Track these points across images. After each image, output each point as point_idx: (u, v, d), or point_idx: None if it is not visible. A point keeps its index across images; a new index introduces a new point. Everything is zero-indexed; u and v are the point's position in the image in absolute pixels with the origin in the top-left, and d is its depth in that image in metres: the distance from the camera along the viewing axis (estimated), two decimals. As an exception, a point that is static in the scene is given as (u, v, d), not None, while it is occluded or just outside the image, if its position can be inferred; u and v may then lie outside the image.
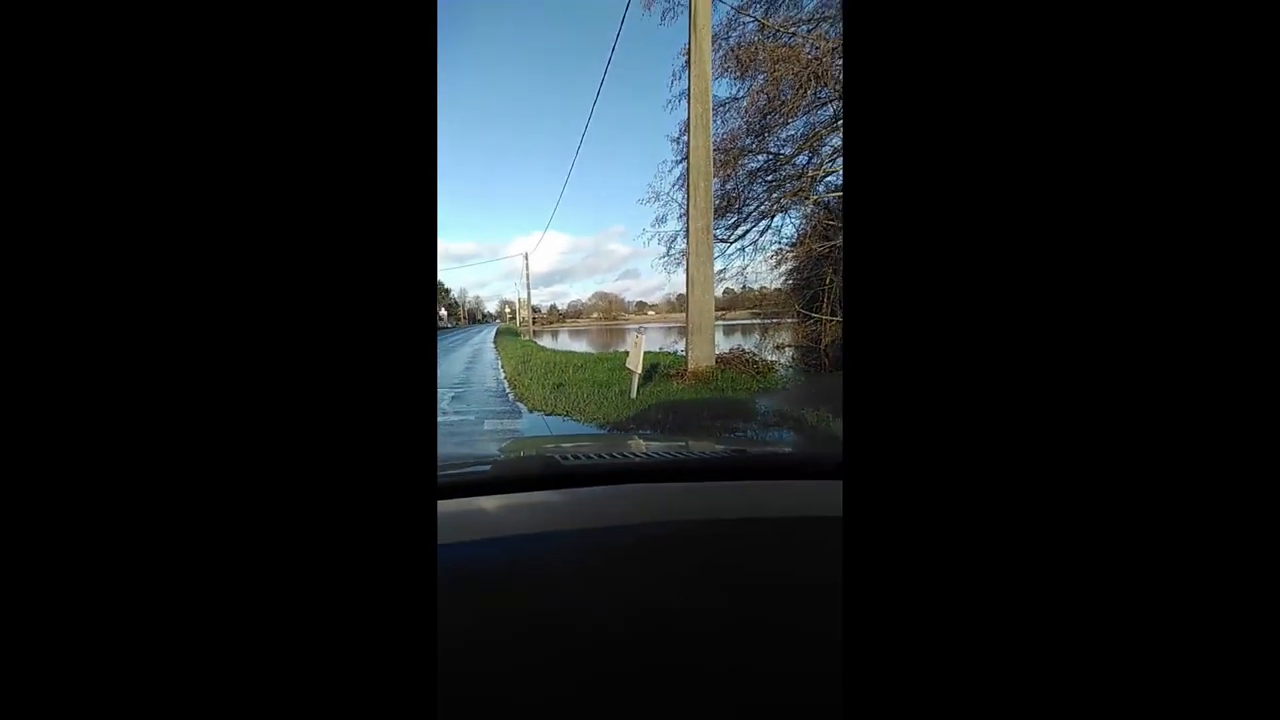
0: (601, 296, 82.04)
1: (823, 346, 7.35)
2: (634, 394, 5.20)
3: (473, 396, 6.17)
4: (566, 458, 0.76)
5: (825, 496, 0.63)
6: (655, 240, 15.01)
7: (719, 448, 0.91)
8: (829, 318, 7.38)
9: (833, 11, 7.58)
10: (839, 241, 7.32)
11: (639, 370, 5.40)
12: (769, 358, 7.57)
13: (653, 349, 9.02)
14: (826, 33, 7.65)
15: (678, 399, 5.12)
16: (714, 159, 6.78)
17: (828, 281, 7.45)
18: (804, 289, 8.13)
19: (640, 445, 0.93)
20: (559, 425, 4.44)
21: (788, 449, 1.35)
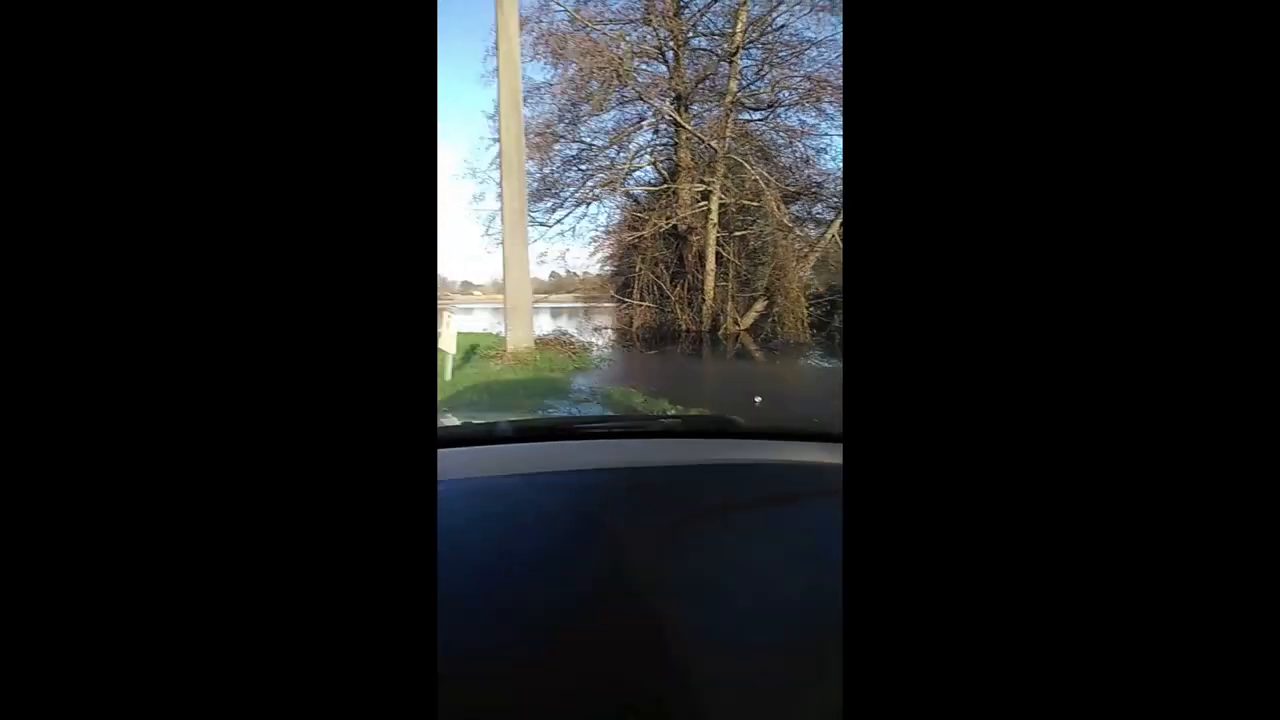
0: (417, 275, 74.56)
1: (634, 329, 8.02)
2: (448, 376, 5.10)
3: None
4: None
5: (574, 453, 0.80)
6: (474, 219, 14.32)
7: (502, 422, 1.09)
8: (638, 302, 8.06)
9: (636, 15, 8.13)
10: (646, 232, 8.01)
11: (452, 351, 5.30)
12: (588, 339, 8.01)
13: (478, 330, 8.81)
14: (628, 35, 8.17)
15: (495, 380, 5.18)
16: (530, 141, 6.83)
17: (637, 269, 8.11)
18: (617, 275, 8.73)
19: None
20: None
21: (537, 417, 1.55)
